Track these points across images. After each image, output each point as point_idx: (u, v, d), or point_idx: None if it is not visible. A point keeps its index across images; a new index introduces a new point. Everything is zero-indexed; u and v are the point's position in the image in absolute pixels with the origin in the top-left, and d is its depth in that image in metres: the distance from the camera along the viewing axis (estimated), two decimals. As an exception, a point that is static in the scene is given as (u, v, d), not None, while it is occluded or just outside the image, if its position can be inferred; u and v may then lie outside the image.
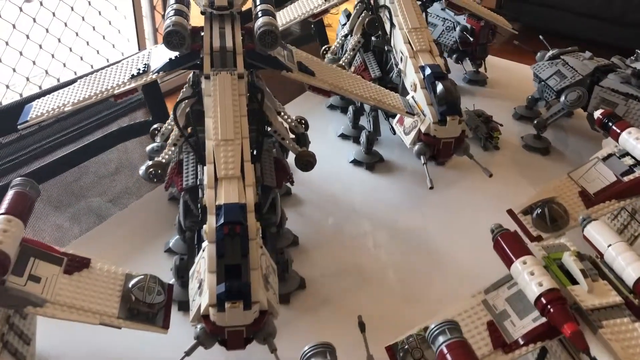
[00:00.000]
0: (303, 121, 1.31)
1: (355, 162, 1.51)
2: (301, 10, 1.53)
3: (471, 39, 1.76)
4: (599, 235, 0.94)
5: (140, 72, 1.11)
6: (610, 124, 1.21)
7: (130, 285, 0.92)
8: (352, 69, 1.52)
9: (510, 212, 1.21)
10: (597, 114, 1.24)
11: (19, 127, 1.12)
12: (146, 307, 0.91)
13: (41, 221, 1.43)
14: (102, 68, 1.17)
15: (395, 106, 1.23)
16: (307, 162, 1.18)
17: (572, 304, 0.83)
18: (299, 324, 1.08)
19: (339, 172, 1.49)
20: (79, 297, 0.89)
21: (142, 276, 0.93)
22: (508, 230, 0.92)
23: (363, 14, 1.52)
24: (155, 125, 1.30)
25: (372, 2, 1.50)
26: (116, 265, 0.95)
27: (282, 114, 1.27)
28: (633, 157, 1.16)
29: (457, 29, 1.78)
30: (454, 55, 1.83)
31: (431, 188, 1.20)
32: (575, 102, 1.52)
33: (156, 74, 1.09)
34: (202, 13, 1.14)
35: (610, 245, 0.91)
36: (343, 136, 1.61)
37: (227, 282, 0.79)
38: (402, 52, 1.35)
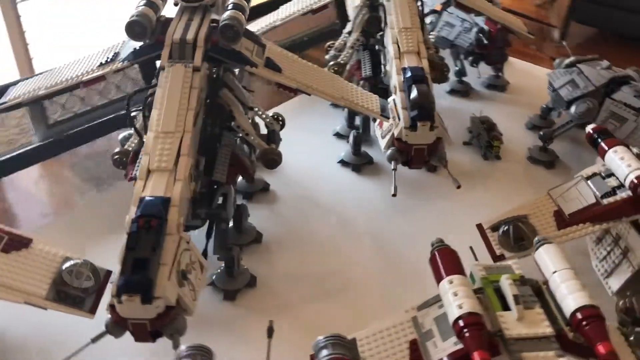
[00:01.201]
0: (280, 118, 1.29)
1: (343, 163, 1.47)
2: (301, 5, 1.51)
3: (485, 42, 1.67)
4: (548, 260, 0.88)
5: (108, 60, 1.13)
6: (599, 140, 1.11)
7: (62, 269, 0.94)
8: (348, 67, 1.48)
9: (479, 226, 1.14)
10: (589, 128, 1.15)
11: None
12: (74, 291, 0.93)
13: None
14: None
15: (368, 108, 1.19)
16: (271, 159, 1.16)
17: (496, 331, 0.78)
18: (238, 322, 1.07)
19: (325, 172, 1.46)
20: (10, 275, 0.92)
21: (77, 261, 0.95)
22: (447, 247, 0.88)
23: (364, 12, 1.48)
24: (134, 113, 1.32)
25: (373, -1, 1.45)
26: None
27: (256, 109, 1.26)
28: (617, 178, 1.07)
29: (473, 30, 1.69)
30: (470, 58, 1.74)
31: (394, 195, 1.15)
32: (584, 114, 1.41)
33: (121, 63, 1.11)
34: (175, 4, 1.14)
35: (555, 271, 0.84)
36: (338, 135, 1.58)
37: (128, 274, 0.79)
38: (389, 52, 1.31)
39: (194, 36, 1.06)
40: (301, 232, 1.29)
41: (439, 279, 0.83)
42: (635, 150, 1.10)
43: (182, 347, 0.74)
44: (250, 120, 1.22)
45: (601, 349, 0.69)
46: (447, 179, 1.43)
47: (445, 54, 1.84)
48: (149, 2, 1.10)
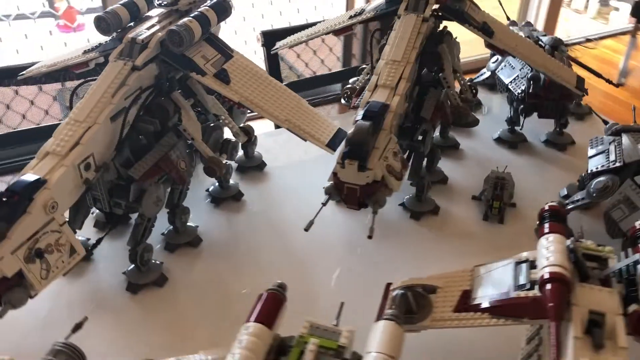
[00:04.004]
0: (250, 131, 1.29)
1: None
2: (325, 26, 1.48)
3: (534, 92, 1.47)
4: (374, 337, 0.79)
5: (89, 50, 1.23)
6: (545, 220, 0.93)
7: None
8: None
9: (387, 285, 1.03)
10: (546, 205, 0.97)
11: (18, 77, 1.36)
12: None
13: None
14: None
15: (314, 136, 1.13)
16: (209, 168, 1.17)
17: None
18: (131, 317, 1.10)
19: (307, 195, 1.41)
20: None
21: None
22: (278, 293, 0.82)
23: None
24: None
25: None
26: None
27: (223, 118, 1.27)
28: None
29: (527, 76, 1.50)
30: (521, 107, 1.54)
31: (369, 237, 1.06)
32: (599, 192, 1.18)
33: (94, 52, 1.21)
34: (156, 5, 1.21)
35: (370, 352, 0.75)
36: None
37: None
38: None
39: (148, 38, 1.11)
40: (246, 248, 1.27)
41: (247, 318, 0.78)
42: (589, 243, 0.91)
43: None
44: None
45: None
46: (441, 230, 1.33)
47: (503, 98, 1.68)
48: (128, 2, 1.18)
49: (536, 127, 1.64)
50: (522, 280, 0.89)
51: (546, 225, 0.92)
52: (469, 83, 1.75)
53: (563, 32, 4.51)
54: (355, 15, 1.43)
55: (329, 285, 1.19)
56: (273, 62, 1.87)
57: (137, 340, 1.06)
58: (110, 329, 1.08)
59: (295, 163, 1.58)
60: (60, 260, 0.96)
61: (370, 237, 1.05)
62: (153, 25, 1.16)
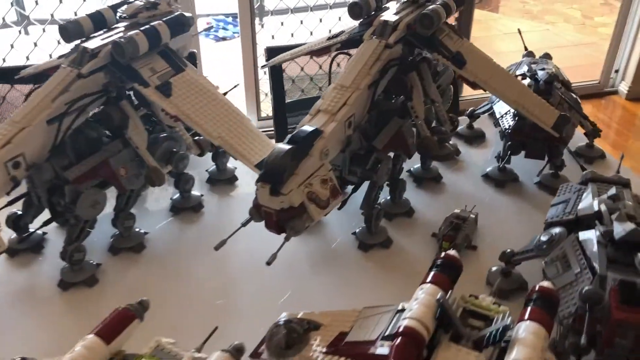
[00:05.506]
0: (203, 144, 1.30)
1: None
2: (307, 46, 1.47)
3: (518, 129, 1.36)
4: None
5: (63, 55, 1.30)
6: (431, 269, 0.86)
7: None
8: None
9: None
10: (443, 253, 0.89)
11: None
12: None
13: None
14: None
15: (242, 154, 1.13)
16: (149, 176, 1.21)
17: None
18: (53, 312, 1.15)
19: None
20: None
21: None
22: (128, 310, 0.83)
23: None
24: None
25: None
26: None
27: (178, 130, 1.30)
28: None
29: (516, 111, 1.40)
30: (508, 144, 1.44)
31: (268, 264, 1.03)
32: (541, 246, 1.08)
33: (63, 58, 1.27)
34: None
35: None
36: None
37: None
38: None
39: (99, 47, 1.17)
40: (188, 260, 1.28)
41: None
42: (488, 298, 0.84)
43: None
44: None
45: None
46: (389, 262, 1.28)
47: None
48: (95, 13, 1.25)
49: (532, 167, 1.52)
50: (390, 329, 0.83)
51: (430, 274, 0.86)
52: (467, 113, 1.67)
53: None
54: (333, 37, 1.41)
55: (251, 308, 1.18)
56: (276, 77, 1.88)
57: (45, 335, 1.10)
58: (29, 320, 1.13)
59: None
60: (324, 197, 1.05)
61: (268, 263, 1.03)
62: (112, 36, 1.21)
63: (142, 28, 1.17)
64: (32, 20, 2.98)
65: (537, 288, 0.82)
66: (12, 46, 2.75)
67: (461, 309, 0.85)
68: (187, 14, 1.27)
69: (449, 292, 0.83)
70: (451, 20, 1.36)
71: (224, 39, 5.14)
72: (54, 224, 1.32)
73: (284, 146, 1.05)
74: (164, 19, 1.21)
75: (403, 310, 0.87)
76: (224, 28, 5.18)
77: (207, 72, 3.26)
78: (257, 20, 3.26)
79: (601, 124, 1.86)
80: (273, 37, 3.22)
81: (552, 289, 0.82)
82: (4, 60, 2.78)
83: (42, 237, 1.31)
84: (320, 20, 3.22)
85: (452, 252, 0.90)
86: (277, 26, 3.22)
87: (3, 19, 2.88)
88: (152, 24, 1.19)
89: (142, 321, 0.84)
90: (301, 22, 3.18)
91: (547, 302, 0.80)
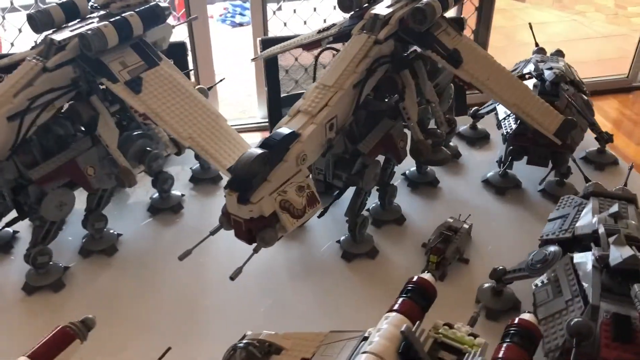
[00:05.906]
0: (180, 144, 1.24)
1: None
2: (298, 39, 1.38)
3: (519, 133, 1.26)
4: None
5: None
6: (400, 296, 0.78)
7: None
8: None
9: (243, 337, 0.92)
10: (415, 277, 0.81)
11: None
12: None
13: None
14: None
15: (214, 156, 1.06)
16: (119, 178, 1.14)
17: None
18: (14, 316, 1.10)
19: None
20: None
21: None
22: (68, 329, 0.77)
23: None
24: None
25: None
26: None
27: (154, 127, 1.23)
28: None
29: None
30: (509, 149, 1.34)
31: (231, 279, 0.98)
32: (537, 265, 0.98)
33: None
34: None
35: None
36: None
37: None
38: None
39: (67, 40, 1.10)
40: (162, 264, 1.21)
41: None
42: (465, 328, 0.75)
43: None
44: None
45: None
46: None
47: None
48: (67, 2, 1.18)
49: (537, 173, 1.42)
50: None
51: (398, 301, 0.77)
52: (470, 112, 1.57)
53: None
54: (323, 30, 1.32)
55: (224, 318, 1.11)
56: (272, 70, 1.80)
57: (3, 342, 1.05)
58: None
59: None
60: (299, 204, 0.98)
61: (232, 278, 0.96)
62: (84, 27, 1.14)
63: (112, 19, 1.10)
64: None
65: (516, 321, 0.73)
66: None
67: (432, 340, 0.77)
68: (163, 4, 1.19)
69: (418, 322, 0.74)
70: (471, 9, 1.25)
71: (240, 24, 5.06)
72: (27, 222, 1.27)
73: (255, 150, 0.96)
74: (137, 9, 1.14)
75: (367, 338, 0.79)
76: (240, 14, 5.10)
77: (219, 59, 3.19)
78: (274, 5, 3.15)
79: (627, 121, 1.73)
80: (285, 24, 3.13)
81: (533, 323, 0.73)
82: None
83: (13, 236, 1.26)
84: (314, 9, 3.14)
85: (426, 275, 0.81)
86: (290, 14, 3.13)
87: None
88: (123, 15, 1.11)
89: (83, 342, 0.78)
90: (294, 10, 3.09)
91: (527, 338, 0.72)
